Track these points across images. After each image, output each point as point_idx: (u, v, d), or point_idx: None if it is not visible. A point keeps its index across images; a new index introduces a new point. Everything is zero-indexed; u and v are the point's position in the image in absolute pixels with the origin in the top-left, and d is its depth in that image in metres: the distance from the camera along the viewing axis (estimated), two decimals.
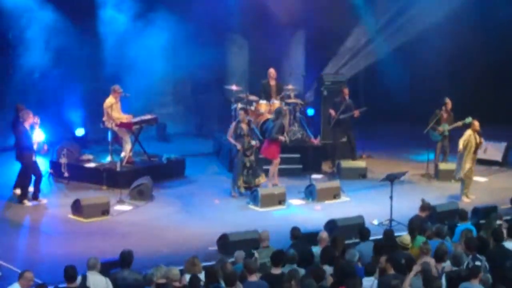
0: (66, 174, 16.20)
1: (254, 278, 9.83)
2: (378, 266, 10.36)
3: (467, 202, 15.56)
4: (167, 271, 9.88)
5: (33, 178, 15.09)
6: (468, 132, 15.87)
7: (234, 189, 16.03)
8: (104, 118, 16.72)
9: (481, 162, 17.73)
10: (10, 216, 14.56)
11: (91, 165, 16.99)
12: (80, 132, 19.54)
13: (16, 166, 15.39)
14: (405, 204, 14.71)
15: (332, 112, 18.12)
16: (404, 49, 21.66)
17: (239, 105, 17.86)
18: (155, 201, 15.70)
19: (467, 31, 21.59)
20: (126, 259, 10.28)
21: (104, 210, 14.50)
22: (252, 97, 18.37)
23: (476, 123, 15.95)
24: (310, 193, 15.89)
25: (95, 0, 19.26)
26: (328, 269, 10.24)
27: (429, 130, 17.52)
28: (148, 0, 19.81)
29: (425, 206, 13.07)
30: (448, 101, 17.63)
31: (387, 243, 11.24)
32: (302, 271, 10.07)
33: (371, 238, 11.79)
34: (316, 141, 18.60)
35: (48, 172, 16.48)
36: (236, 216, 14.82)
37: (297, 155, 18.03)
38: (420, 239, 11.49)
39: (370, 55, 21.87)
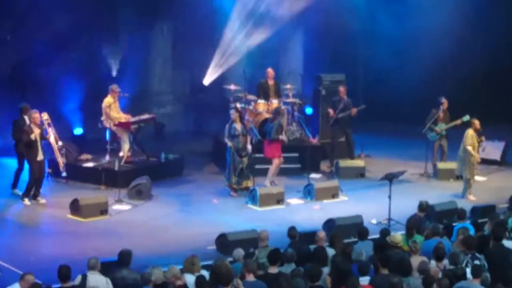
0: (64, 174, 16.19)
1: (252, 277, 9.82)
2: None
3: (473, 200, 15.61)
4: (167, 270, 9.88)
5: (35, 177, 15.10)
6: (470, 132, 15.87)
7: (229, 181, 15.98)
8: (103, 118, 16.73)
9: (480, 161, 17.72)
10: (8, 216, 14.56)
11: (90, 164, 17.00)
12: (78, 131, 19.56)
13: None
14: (403, 203, 14.70)
15: (330, 111, 18.13)
16: (403, 48, 21.66)
17: (238, 105, 17.87)
18: (154, 200, 15.70)
19: (466, 29, 21.61)
20: (124, 258, 10.29)
21: (103, 210, 14.51)
22: (251, 97, 18.38)
23: (477, 122, 15.97)
24: (309, 193, 15.90)
25: None
26: (325, 269, 10.24)
27: (427, 130, 17.53)
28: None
29: (423, 206, 13.09)
30: (444, 100, 17.61)
31: (382, 242, 11.24)
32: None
33: (370, 237, 11.79)
34: (314, 141, 18.61)
35: (46, 171, 16.47)
36: (234, 215, 14.83)
37: (296, 155, 18.02)
38: (418, 238, 11.50)
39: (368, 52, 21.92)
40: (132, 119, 17.01)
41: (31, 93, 18.33)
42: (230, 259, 10.95)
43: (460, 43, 21.62)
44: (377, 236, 12.06)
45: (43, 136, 15.11)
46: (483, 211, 13.94)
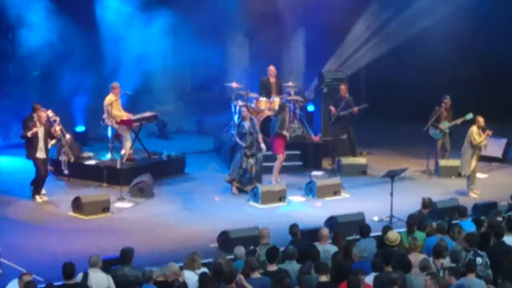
0: (66, 172, 16.19)
1: (256, 275, 9.83)
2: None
3: (476, 197, 15.64)
4: (167, 269, 9.89)
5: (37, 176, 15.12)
6: (475, 130, 15.87)
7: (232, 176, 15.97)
8: (104, 116, 16.73)
9: (482, 158, 17.66)
10: (10, 214, 14.56)
11: (92, 162, 17.00)
12: (80, 129, 19.57)
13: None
14: (405, 200, 14.72)
15: (332, 108, 18.14)
16: (404, 46, 21.63)
17: (240, 102, 17.86)
18: (156, 198, 15.70)
19: (468, 28, 21.58)
20: (126, 256, 10.29)
21: (105, 208, 14.52)
22: (252, 94, 18.37)
23: (481, 119, 15.97)
24: (311, 190, 15.90)
25: None
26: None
27: (429, 127, 17.53)
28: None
29: (426, 203, 13.09)
30: (447, 98, 17.62)
31: (383, 240, 11.23)
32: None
33: (372, 234, 11.79)
34: (316, 138, 18.61)
35: (48, 169, 16.49)
36: (236, 213, 14.83)
37: (298, 152, 18.04)
38: (420, 235, 11.49)
39: (371, 52, 21.86)
40: (134, 117, 17.02)
41: (32, 91, 18.36)
42: (231, 256, 10.95)
43: (462, 40, 21.59)
44: (379, 233, 12.05)
45: (51, 134, 15.14)
46: (484, 208, 13.93)
